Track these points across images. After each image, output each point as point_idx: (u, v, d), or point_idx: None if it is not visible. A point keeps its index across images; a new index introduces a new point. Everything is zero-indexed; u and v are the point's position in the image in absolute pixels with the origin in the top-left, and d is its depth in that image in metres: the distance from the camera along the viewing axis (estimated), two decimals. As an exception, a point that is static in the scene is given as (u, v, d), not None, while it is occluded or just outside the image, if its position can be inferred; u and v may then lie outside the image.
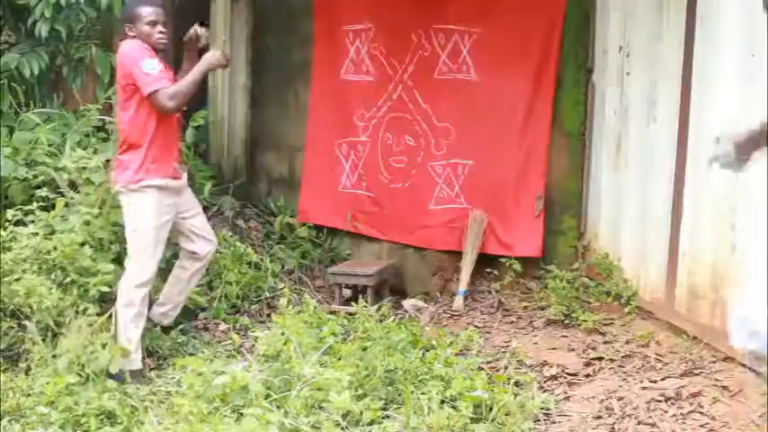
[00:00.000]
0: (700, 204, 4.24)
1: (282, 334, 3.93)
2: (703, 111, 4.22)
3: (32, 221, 4.51)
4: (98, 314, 4.15)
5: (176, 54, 4.82)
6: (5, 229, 4.42)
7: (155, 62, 4.18)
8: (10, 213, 4.49)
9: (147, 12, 4.26)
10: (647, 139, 4.82)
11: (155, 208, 4.28)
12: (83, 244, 4.41)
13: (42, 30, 5.31)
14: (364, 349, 4.10)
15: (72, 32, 5.60)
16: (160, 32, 4.28)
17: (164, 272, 4.62)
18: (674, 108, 4.48)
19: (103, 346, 4.00)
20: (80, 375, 3.84)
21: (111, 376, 3.98)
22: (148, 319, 4.48)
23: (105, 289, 4.27)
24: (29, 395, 3.70)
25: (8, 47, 5.86)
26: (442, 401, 3.55)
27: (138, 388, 4.00)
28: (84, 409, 3.57)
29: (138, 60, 4.16)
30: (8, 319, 4.13)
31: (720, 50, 4.05)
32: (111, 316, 4.20)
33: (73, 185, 4.78)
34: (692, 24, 4.30)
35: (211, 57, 4.37)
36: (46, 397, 3.62)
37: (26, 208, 4.56)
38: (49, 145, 5.10)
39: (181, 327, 4.77)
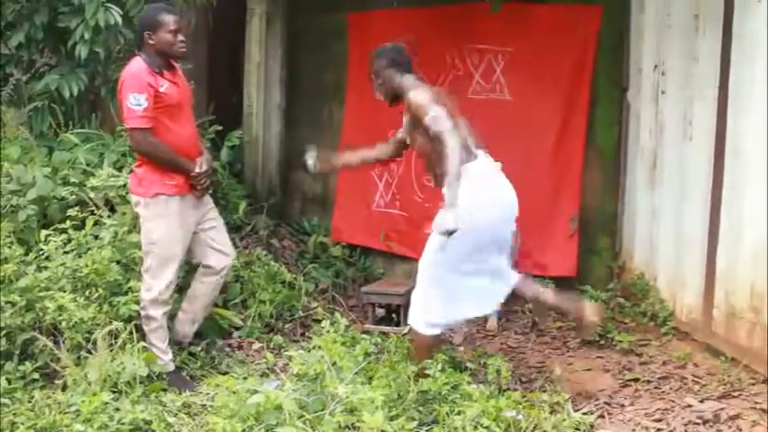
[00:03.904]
0: (736, 224, 4.19)
1: (316, 349, 3.93)
2: (739, 130, 4.18)
3: (68, 241, 4.57)
4: (129, 332, 4.19)
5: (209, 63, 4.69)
6: (40, 250, 4.49)
7: (142, 98, 4.10)
8: (44, 234, 4.56)
9: (171, 20, 4.21)
10: (683, 158, 4.78)
11: (171, 221, 4.27)
12: (116, 262, 4.46)
13: (82, 51, 5.37)
14: (397, 370, 4.09)
15: (110, 54, 5.68)
16: (181, 41, 4.25)
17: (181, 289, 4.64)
18: (710, 127, 4.44)
19: (131, 355, 4.05)
20: (113, 391, 3.87)
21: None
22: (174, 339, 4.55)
23: (135, 307, 4.31)
24: (65, 412, 3.74)
25: (48, 68, 5.97)
26: (476, 422, 3.52)
27: (174, 399, 4.02)
28: (118, 425, 3.59)
29: (129, 91, 4.11)
30: (44, 337, 4.17)
31: (757, 70, 4.02)
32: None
33: (109, 204, 4.85)
34: (729, 44, 4.27)
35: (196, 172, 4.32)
36: (82, 414, 3.65)
37: (60, 227, 4.62)
38: (87, 165, 5.18)
39: (215, 346, 4.81)
